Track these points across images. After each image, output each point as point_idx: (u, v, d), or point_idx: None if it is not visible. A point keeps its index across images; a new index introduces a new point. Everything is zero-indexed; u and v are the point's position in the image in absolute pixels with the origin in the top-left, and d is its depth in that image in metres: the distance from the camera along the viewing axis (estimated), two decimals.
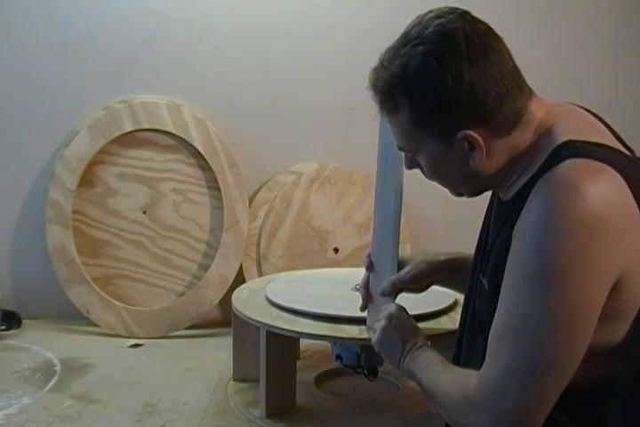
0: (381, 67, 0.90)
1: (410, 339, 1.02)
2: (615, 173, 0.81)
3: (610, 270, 0.79)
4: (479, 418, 0.82)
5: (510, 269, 0.84)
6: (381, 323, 1.06)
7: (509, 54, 0.88)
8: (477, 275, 1.00)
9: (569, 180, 0.80)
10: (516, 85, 0.87)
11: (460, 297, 1.38)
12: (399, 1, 1.96)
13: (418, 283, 1.18)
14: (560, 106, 0.93)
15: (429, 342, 1.05)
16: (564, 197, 0.79)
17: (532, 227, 0.81)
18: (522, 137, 0.89)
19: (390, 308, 1.09)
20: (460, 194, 0.98)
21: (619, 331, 0.84)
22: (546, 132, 0.89)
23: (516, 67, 0.88)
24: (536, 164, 0.87)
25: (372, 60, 1.02)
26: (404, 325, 1.05)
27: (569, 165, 0.82)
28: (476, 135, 0.86)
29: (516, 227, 0.85)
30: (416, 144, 0.92)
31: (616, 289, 0.80)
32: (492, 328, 0.85)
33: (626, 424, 0.87)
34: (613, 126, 0.94)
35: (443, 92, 0.85)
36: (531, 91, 0.90)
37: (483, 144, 0.87)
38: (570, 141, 0.85)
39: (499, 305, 0.84)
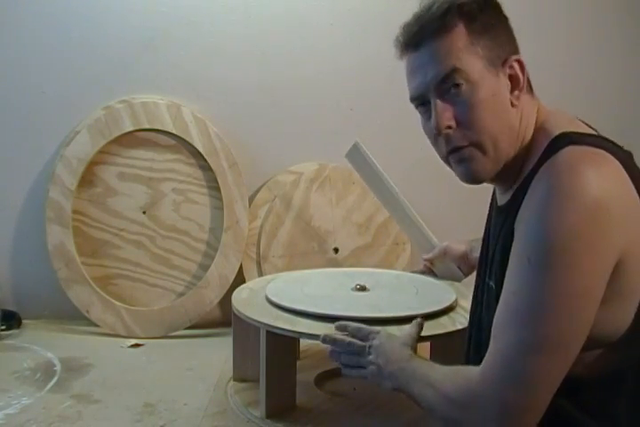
0: (428, 0, 0.95)
1: (388, 363, 1.01)
2: (613, 157, 0.84)
3: (612, 249, 0.80)
4: (484, 408, 0.81)
5: (515, 255, 0.84)
6: (371, 357, 1.05)
7: None
8: (484, 280, 1.00)
9: (569, 164, 0.82)
10: None
11: (461, 297, 1.39)
12: (400, 1, 1.95)
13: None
14: (544, 105, 0.97)
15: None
16: (565, 180, 0.80)
17: (534, 211, 0.82)
18: (533, 112, 0.95)
19: (373, 342, 1.07)
20: (476, 164, 0.94)
21: (625, 317, 0.84)
22: (540, 128, 0.92)
23: None
24: (533, 159, 0.89)
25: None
26: (384, 352, 1.03)
27: (568, 152, 0.84)
28: (523, 63, 0.93)
29: (518, 217, 0.86)
30: (465, 63, 0.91)
31: (617, 270, 0.81)
32: (496, 315, 0.84)
33: (633, 411, 0.86)
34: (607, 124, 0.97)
35: (500, 15, 0.94)
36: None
37: (525, 76, 0.93)
38: (564, 133, 0.88)
39: (504, 290, 0.84)
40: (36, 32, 1.91)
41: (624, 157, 0.86)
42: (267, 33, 1.99)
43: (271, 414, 1.32)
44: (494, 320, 0.85)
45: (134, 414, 1.37)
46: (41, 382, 1.52)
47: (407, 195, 1.67)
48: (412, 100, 0.98)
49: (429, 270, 1.58)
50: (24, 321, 1.93)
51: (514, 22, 0.95)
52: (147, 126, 1.90)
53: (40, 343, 1.77)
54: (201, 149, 1.92)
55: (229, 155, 1.94)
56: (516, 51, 0.94)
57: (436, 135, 0.95)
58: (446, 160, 0.97)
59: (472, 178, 0.95)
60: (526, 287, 0.80)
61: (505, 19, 0.94)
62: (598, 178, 0.79)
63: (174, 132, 1.91)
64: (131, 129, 1.89)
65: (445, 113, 0.92)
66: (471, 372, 0.85)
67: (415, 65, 0.95)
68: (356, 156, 1.71)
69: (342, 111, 2.04)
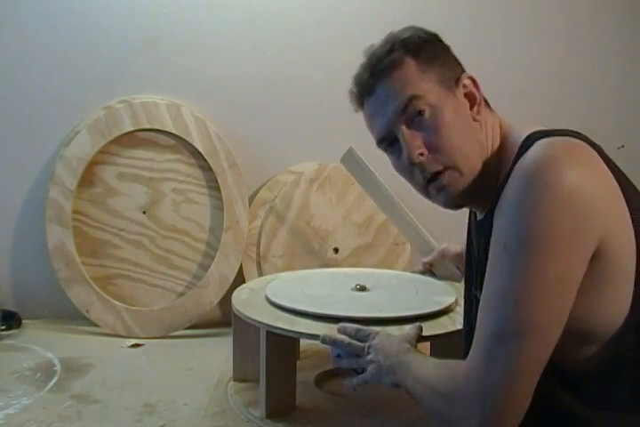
0: (372, 47, 1.00)
1: (387, 357, 1.01)
2: (586, 144, 0.84)
3: (589, 237, 0.79)
4: (467, 400, 0.80)
5: (492, 244, 0.84)
6: (369, 357, 1.05)
7: None
8: (471, 292, 1.01)
9: (543, 154, 0.82)
10: None
11: (461, 297, 1.39)
12: (401, 2, 1.96)
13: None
14: (505, 119, 1.00)
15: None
16: (541, 169, 0.80)
17: (511, 201, 0.82)
18: (496, 124, 0.96)
19: (372, 342, 1.07)
20: (455, 187, 0.95)
21: (618, 309, 0.83)
22: (506, 140, 0.94)
23: None
24: (506, 168, 0.90)
25: None
26: (383, 348, 1.03)
27: (540, 144, 0.84)
28: (475, 79, 0.95)
29: (495, 212, 0.86)
30: (422, 90, 0.93)
31: (597, 259, 0.80)
32: (479, 307, 0.85)
33: (633, 399, 0.86)
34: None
35: (441, 43, 0.97)
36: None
37: (480, 91, 0.95)
38: (532, 133, 0.89)
39: (484, 281, 0.84)
40: (36, 32, 1.91)
41: (598, 148, 0.86)
42: (267, 33, 1.99)
43: (271, 414, 1.32)
44: (477, 312, 0.85)
45: (134, 414, 1.37)
46: (41, 382, 1.52)
47: (404, 197, 1.67)
48: (380, 142, 1.00)
49: (429, 271, 1.59)
50: (24, 321, 1.93)
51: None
52: (147, 126, 1.90)
53: (40, 343, 1.77)
54: (201, 149, 1.92)
55: (229, 155, 1.94)
56: (464, 71, 0.97)
57: (411, 167, 0.95)
58: (425, 191, 0.98)
59: (453, 203, 0.97)
60: (502, 273, 0.80)
61: (446, 46, 0.97)
62: (575, 166, 0.79)
63: (174, 132, 1.91)
64: (131, 129, 1.89)
65: (415, 141, 0.94)
66: (458, 364, 0.85)
67: (374, 108, 0.98)
68: (350, 161, 1.72)
69: (342, 111, 2.03)
